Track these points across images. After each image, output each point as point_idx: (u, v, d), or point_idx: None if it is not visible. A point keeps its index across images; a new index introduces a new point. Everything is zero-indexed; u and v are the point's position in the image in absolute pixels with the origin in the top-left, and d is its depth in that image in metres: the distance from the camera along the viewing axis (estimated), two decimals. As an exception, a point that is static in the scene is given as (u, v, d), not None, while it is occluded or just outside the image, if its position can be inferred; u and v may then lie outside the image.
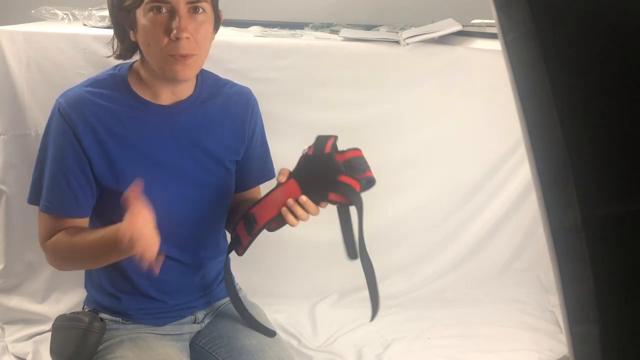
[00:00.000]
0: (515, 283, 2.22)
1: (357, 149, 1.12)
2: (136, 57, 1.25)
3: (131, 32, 1.17)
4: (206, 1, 1.14)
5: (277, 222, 1.15)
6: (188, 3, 1.11)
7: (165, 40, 1.11)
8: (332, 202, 1.10)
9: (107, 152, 1.17)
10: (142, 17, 1.12)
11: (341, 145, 1.11)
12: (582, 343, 0.48)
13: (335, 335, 1.90)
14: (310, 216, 1.11)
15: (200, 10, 1.13)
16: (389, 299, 2.09)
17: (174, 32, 1.10)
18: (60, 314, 1.30)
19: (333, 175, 1.07)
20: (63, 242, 1.19)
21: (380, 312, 2.11)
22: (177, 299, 1.29)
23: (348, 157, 1.10)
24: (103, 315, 1.28)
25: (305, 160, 1.12)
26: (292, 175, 1.12)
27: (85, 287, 1.35)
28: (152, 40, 1.12)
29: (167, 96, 1.22)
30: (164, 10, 1.10)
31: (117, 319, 1.28)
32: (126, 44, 1.21)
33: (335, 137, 1.12)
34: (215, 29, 1.21)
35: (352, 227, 1.16)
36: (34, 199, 1.22)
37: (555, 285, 0.50)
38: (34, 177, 1.22)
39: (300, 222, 1.12)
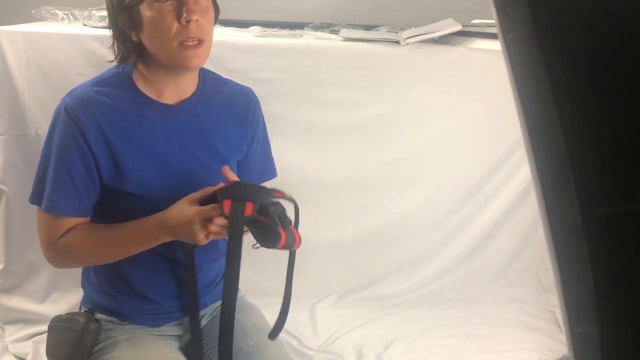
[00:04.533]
0: (515, 283, 2.22)
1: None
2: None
3: (133, 32, 1.18)
4: None
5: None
6: None
7: (175, 27, 1.13)
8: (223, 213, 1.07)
9: (112, 151, 1.17)
10: (147, 10, 1.14)
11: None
12: (582, 343, 0.48)
13: (335, 335, 1.90)
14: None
15: None
16: (389, 299, 2.09)
17: (184, 15, 1.13)
18: (57, 314, 1.29)
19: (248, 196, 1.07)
20: (78, 240, 1.19)
21: (380, 312, 2.13)
22: (173, 300, 1.29)
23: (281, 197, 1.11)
24: (99, 316, 1.28)
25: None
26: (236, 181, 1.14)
27: (82, 286, 1.34)
28: (162, 30, 1.14)
29: (171, 93, 1.23)
30: None
31: (113, 319, 1.27)
32: (129, 46, 1.21)
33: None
34: (216, 18, 1.24)
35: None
36: (36, 199, 1.21)
37: (555, 285, 0.50)
38: (37, 177, 1.21)
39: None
